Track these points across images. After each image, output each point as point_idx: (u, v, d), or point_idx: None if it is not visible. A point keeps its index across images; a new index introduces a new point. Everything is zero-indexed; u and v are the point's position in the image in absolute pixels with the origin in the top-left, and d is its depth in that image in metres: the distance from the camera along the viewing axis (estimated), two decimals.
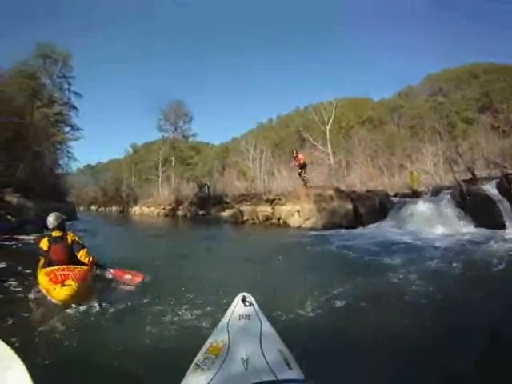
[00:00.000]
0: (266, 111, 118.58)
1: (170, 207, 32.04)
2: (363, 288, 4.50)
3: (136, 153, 49.44)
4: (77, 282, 4.18)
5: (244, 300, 2.44)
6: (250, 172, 31.03)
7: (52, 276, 4.37)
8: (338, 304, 3.89)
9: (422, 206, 11.78)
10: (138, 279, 5.15)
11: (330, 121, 27.70)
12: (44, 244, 4.94)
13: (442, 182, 18.50)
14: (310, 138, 28.74)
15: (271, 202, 18.43)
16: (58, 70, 23.79)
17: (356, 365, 2.60)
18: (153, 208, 34.95)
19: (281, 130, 42.54)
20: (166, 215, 31.64)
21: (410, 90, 41.70)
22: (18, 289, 4.95)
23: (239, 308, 2.38)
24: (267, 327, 2.12)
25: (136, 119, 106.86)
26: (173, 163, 40.66)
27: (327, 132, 27.27)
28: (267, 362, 1.68)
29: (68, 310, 3.85)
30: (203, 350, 1.95)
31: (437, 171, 20.89)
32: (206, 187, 29.88)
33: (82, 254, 4.92)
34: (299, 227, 14.45)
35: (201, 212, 26.77)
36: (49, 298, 4.19)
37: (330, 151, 26.48)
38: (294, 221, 15.06)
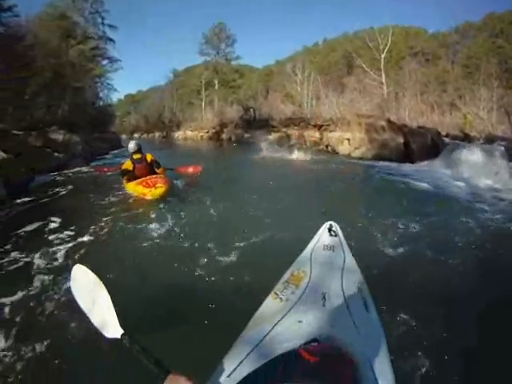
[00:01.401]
0: (311, 34, 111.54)
1: (214, 130, 32.02)
2: (428, 231, 4.40)
3: (177, 78, 48.55)
4: (164, 184, 6.00)
5: (330, 229, 2.33)
6: (297, 96, 30.12)
7: (144, 184, 6.13)
8: (410, 244, 3.88)
9: (475, 153, 11.11)
10: (199, 168, 7.57)
11: (386, 48, 26.28)
12: (128, 165, 6.64)
13: (495, 130, 17.76)
14: (363, 65, 27.29)
15: (319, 127, 18.29)
16: (89, 6, 23.33)
17: (428, 311, 2.60)
18: (196, 132, 34.94)
19: (327, 54, 40.73)
20: (210, 138, 31.71)
21: (468, 26, 38.30)
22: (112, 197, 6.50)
23: (325, 237, 2.29)
24: (350, 261, 2.06)
25: (176, 45, 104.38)
26: (216, 86, 40.18)
27: (381, 60, 26.01)
28: (345, 300, 1.65)
29: (160, 205, 5.64)
30: (284, 278, 1.93)
31: (490, 118, 19.85)
32: (252, 110, 29.41)
33: (160, 171, 6.74)
34: (348, 155, 14.37)
35: (246, 135, 26.57)
36: (145, 197, 6.00)
37: (383, 80, 25.36)
38: (343, 149, 14.96)
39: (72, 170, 11.20)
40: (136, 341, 1.20)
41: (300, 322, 1.48)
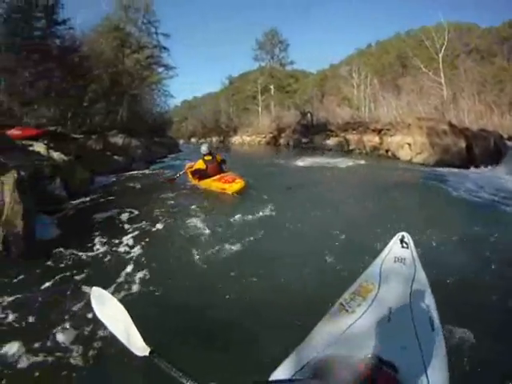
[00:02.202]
0: (364, 37, 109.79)
1: (271, 135, 32.10)
2: (502, 245, 4.18)
3: (232, 84, 49.53)
4: (241, 180, 7.18)
5: (402, 240, 2.24)
6: (353, 99, 29.68)
7: (223, 180, 7.35)
8: (480, 259, 3.76)
9: None
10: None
11: (444, 46, 25.12)
12: (201, 165, 7.87)
13: None
14: (421, 65, 26.20)
15: (379, 131, 17.96)
16: (141, 17, 23.94)
17: (495, 335, 2.49)
18: (253, 137, 35.18)
19: (381, 56, 40.33)
20: (268, 143, 31.81)
21: None
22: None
23: (396, 249, 2.21)
24: (420, 275, 1.99)
25: (230, 52, 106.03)
26: (272, 91, 40.83)
27: (440, 59, 24.89)
28: (412, 317, 1.61)
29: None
30: (351, 289, 1.91)
31: None
32: (309, 115, 29.13)
33: (228, 169, 8.03)
34: (409, 161, 14.07)
35: (304, 140, 26.37)
36: (225, 191, 7.11)
37: (442, 81, 24.24)
38: (404, 154, 14.69)
39: (132, 173, 11.70)
40: (165, 358, 1.19)
41: (364, 335, 1.47)
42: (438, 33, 25.42)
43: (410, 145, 14.61)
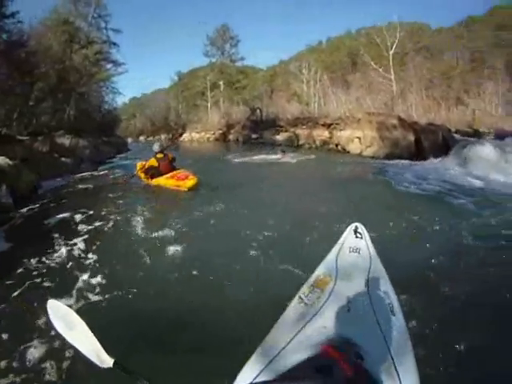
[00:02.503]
0: (314, 34, 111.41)
1: (220, 132, 32.09)
2: (449, 232, 4.38)
3: (181, 80, 48.70)
4: (194, 177, 7.41)
5: (356, 231, 2.24)
6: (303, 95, 29.95)
7: (176, 178, 7.49)
8: (431, 245, 3.86)
9: (488, 149, 10.76)
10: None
11: (394, 45, 25.98)
12: (153, 162, 7.88)
13: (503, 125, 17.59)
14: (372, 63, 26.89)
15: (328, 126, 18.17)
16: (92, 11, 23.00)
17: (457, 317, 2.62)
18: (203, 133, 34.96)
19: (331, 53, 40.75)
20: (217, 139, 31.81)
21: (471, 21, 38.01)
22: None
23: (350, 239, 2.21)
24: (376, 263, 2.01)
25: (179, 47, 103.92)
26: (221, 88, 40.41)
27: (390, 57, 25.69)
28: (371, 304, 1.62)
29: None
30: (309, 282, 1.89)
31: (497, 113, 19.81)
32: (258, 110, 29.13)
33: (179, 167, 8.12)
34: (359, 154, 14.25)
35: (253, 136, 26.56)
36: (179, 188, 7.34)
37: (392, 77, 25.05)
38: (354, 147, 14.87)
39: (81, 175, 11.22)
40: (129, 368, 1.18)
41: (325, 327, 1.45)
42: (389, 31, 26.40)
43: (359, 138, 14.74)
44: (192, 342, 2.42)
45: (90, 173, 11.71)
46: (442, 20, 78.18)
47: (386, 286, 1.80)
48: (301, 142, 20.05)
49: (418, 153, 13.02)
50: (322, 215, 5.15)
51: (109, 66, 25.48)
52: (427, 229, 4.51)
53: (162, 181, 7.77)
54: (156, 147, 8.21)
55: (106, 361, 1.24)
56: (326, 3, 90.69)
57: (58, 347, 2.35)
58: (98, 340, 1.27)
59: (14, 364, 2.29)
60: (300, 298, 1.75)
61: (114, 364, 1.22)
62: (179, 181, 7.46)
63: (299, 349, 1.31)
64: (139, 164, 8.53)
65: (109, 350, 1.25)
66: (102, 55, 24.12)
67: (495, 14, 36.28)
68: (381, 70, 25.82)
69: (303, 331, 1.46)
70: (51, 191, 8.50)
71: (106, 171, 12.24)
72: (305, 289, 1.82)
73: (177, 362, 2.25)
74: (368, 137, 14.24)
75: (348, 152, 15.17)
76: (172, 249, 4.09)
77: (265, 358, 1.32)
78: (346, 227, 2.27)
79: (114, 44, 24.79)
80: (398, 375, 1.23)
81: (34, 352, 2.38)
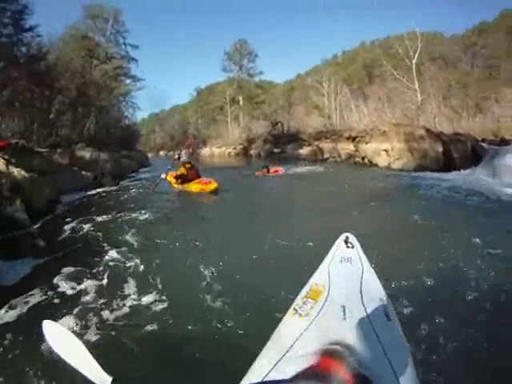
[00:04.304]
0: (329, 47, 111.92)
1: (241, 146, 32.28)
2: (474, 249, 4.00)
3: (200, 96, 49.08)
4: (215, 182, 8.88)
5: (346, 241, 2.26)
6: (324, 108, 29.70)
7: (201, 183, 9.11)
8: (440, 260, 3.70)
9: None
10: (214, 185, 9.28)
11: (417, 54, 25.62)
12: (183, 171, 9.41)
13: None
14: (394, 72, 26.36)
15: (353, 139, 18.03)
16: (109, 27, 24.02)
17: (455, 325, 2.59)
18: (223, 148, 35.28)
19: (346, 66, 40.92)
20: (238, 154, 31.93)
21: (484, 26, 37.79)
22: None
23: (341, 249, 2.23)
24: (368, 272, 2.03)
25: (197, 63, 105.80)
26: (240, 102, 40.81)
27: (413, 66, 25.30)
28: (366, 312, 1.63)
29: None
30: (302, 293, 1.90)
31: None
32: (280, 124, 29.36)
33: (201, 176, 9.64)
34: (388, 167, 14.05)
35: (275, 150, 26.54)
36: (204, 191, 8.83)
37: (416, 86, 24.52)
38: (382, 160, 14.74)
39: (102, 189, 11.08)
40: None
41: (321, 336, 1.46)
42: (410, 40, 26.11)
43: (387, 151, 14.60)
44: (190, 358, 2.40)
45: (111, 188, 11.61)
46: (452, 27, 77.73)
47: (379, 294, 1.84)
48: (325, 156, 20.01)
49: (447, 164, 12.82)
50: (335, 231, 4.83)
51: (128, 81, 26.09)
52: (474, 248, 4.06)
53: (189, 185, 9.30)
54: (185, 158, 9.91)
55: (104, 379, 1.24)
56: (337, 17, 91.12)
57: (55, 366, 2.24)
58: (95, 358, 1.28)
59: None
60: (294, 309, 1.77)
61: (112, 382, 1.22)
62: (203, 185, 9.00)
63: (296, 360, 1.32)
64: (170, 173, 9.97)
65: (106, 368, 1.24)
66: (121, 70, 24.75)
67: (507, 18, 35.94)
68: (404, 79, 25.40)
69: (299, 342, 1.48)
70: (70, 206, 8.40)
71: (128, 185, 12.23)
72: (299, 300, 1.84)
73: (174, 379, 2.25)
74: (396, 149, 14.10)
75: (376, 165, 15.02)
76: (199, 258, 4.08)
77: (261, 371, 1.33)
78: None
79: (133, 59, 25.65)
80: (398, 381, 1.25)
81: (32, 370, 2.34)
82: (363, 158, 16.48)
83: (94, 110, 18.98)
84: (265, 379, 1.26)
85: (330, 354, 1.25)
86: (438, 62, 32.78)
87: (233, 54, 42.33)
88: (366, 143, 16.51)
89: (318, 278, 1.99)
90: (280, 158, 22.85)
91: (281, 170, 13.40)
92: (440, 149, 13.19)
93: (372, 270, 2.02)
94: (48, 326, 1.46)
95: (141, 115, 48.12)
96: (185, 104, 53.59)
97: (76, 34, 22.09)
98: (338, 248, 2.22)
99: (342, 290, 1.81)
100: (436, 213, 6.09)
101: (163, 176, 10.08)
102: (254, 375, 1.33)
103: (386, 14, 71.29)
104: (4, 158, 7.33)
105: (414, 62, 25.62)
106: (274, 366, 1.33)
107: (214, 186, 8.87)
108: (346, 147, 18.38)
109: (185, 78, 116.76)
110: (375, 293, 1.82)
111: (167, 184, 10.01)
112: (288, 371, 1.23)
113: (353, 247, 2.21)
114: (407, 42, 25.95)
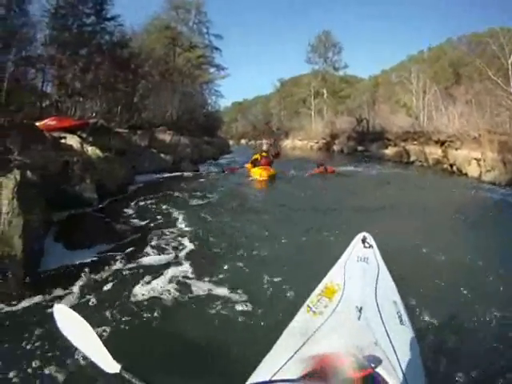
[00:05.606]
0: (415, 42, 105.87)
1: (324, 141, 31.96)
2: None
3: (283, 87, 48.92)
4: (274, 170, 10.95)
5: (364, 240, 2.30)
6: (413, 107, 27.76)
7: (262, 169, 10.72)
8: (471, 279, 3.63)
9: None
10: (285, 173, 12.51)
11: None
12: (258, 156, 11.55)
13: None
14: (490, 73, 22.64)
15: (442, 143, 16.98)
16: (192, 17, 25.10)
17: (462, 324, 2.69)
18: (306, 141, 35.22)
19: (432, 63, 38.79)
20: (320, 149, 31.63)
21: None
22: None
23: (358, 249, 2.26)
24: (384, 273, 2.05)
25: (281, 54, 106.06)
26: (325, 96, 40.26)
27: (510, 67, 21.93)
28: (380, 313, 1.63)
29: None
30: (317, 291, 1.92)
31: None
32: (365, 121, 28.54)
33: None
34: (478, 178, 12.78)
35: (359, 148, 25.98)
36: (259, 178, 10.49)
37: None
38: (472, 170, 13.59)
39: (179, 174, 11.54)
40: (136, 374, 1.17)
41: (334, 335, 1.46)
42: (506, 38, 22.88)
43: (478, 160, 13.50)
44: (200, 351, 2.46)
45: (189, 172, 12.08)
46: None
47: (394, 296, 1.85)
48: (411, 159, 19.29)
49: None
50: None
51: (212, 69, 27.51)
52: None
53: (254, 169, 10.95)
54: (265, 146, 13.02)
55: (112, 366, 1.24)
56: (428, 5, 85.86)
57: (65, 351, 2.32)
58: (105, 345, 1.29)
59: (19, 368, 2.28)
60: (308, 306, 1.78)
61: (121, 369, 1.22)
62: (262, 171, 10.55)
63: (307, 358, 1.30)
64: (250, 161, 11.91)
65: (115, 356, 1.25)
66: (204, 59, 25.95)
67: None
68: (499, 80, 22.00)
69: (311, 340, 1.48)
70: (145, 187, 8.52)
71: (206, 172, 12.91)
72: (313, 298, 1.86)
73: (185, 370, 2.28)
74: (488, 159, 12.73)
75: (465, 174, 13.98)
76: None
77: (272, 368, 1.33)
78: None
79: (217, 49, 26.87)
80: (406, 381, 1.24)
81: (41, 356, 2.39)
82: (451, 166, 15.57)
83: (177, 96, 19.82)
84: (276, 375, 1.26)
85: (341, 354, 1.23)
86: None
87: (317, 45, 41.89)
88: (456, 149, 15.49)
89: (333, 276, 2.03)
90: (364, 157, 22.31)
91: (334, 169, 13.49)
92: None
93: (387, 272, 2.07)
94: (59, 310, 1.48)
95: (224, 103, 49.85)
96: (267, 95, 54.16)
97: (159, 24, 23.48)
98: (355, 247, 2.29)
99: (357, 290, 1.81)
100: None
101: (246, 165, 12.15)
102: (263, 373, 1.35)
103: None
104: (81, 137, 7.53)
105: (510, 61, 22.38)
106: (285, 364, 1.32)
107: (269, 173, 10.56)
108: (434, 151, 17.51)
109: (268, 69, 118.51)
110: (390, 294, 1.85)
111: (245, 170, 12.05)
112: (297, 370, 1.22)
113: (370, 247, 2.26)
114: (502, 40, 22.87)
